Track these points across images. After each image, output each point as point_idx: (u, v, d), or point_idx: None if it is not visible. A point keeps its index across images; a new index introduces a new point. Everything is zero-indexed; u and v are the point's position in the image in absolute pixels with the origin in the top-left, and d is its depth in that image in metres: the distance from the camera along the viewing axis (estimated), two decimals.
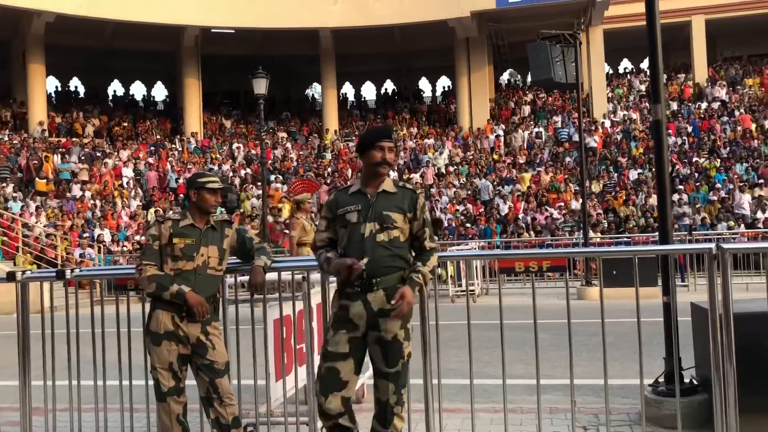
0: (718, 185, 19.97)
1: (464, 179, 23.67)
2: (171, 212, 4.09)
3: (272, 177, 23.40)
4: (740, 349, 3.47)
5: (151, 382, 3.85)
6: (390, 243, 3.29)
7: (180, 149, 27.01)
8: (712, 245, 3.49)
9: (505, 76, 35.75)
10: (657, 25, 4.70)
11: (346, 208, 3.36)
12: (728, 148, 22.99)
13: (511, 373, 4.80)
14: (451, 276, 13.34)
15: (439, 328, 3.95)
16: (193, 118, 29.01)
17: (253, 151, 26.05)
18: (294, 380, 4.13)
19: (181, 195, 22.03)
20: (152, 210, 21.26)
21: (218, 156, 26.43)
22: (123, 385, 4.24)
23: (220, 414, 3.72)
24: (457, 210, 20.98)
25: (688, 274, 14.02)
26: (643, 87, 29.46)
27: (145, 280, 3.74)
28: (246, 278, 3.94)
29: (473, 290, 13.37)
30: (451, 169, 24.56)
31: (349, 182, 3.14)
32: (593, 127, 25.71)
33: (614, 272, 11.86)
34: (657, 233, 16.70)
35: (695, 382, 4.37)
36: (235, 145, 27.44)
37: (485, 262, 13.66)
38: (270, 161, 24.62)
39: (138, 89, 35.44)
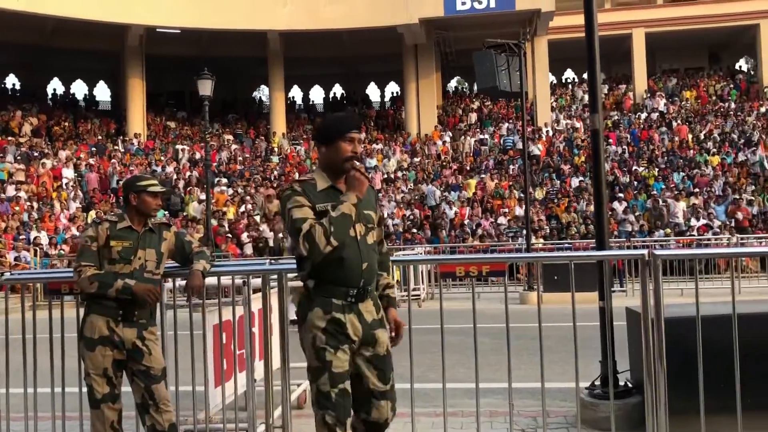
0: (655, 193, 20.60)
1: (412, 185, 23.81)
2: (108, 214, 3.97)
3: (217, 180, 23.09)
4: (670, 352, 3.59)
5: (85, 389, 3.75)
6: (376, 246, 3.10)
7: (123, 150, 26.40)
8: (645, 252, 3.60)
9: (452, 83, 36.16)
10: (595, 38, 4.82)
11: (325, 204, 2.94)
12: (666, 158, 23.76)
13: (453, 377, 4.85)
14: (397, 281, 13.39)
15: None
16: (137, 119, 28.40)
17: (198, 154, 25.66)
18: (234, 386, 4.07)
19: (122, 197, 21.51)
20: (92, 212, 20.71)
21: (161, 158, 25.93)
22: (55, 392, 4.11)
23: (156, 421, 3.65)
24: (404, 215, 21.09)
25: (626, 279, 14.40)
26: (586, 96, 30.19)
27: (85, 281, 3.63)
28: (185, 282, 3.88)
29: (419, 295, 13.45)
30: (399, 174, 24.67)
31: (302, 176, 2.81)
32: (537, 136, 26.21)
33: (555, 277, 12.13)
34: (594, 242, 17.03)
35: (629, 385, 4.49)
36: (179, 147, 26.97)
37: (431, 267, 13.76)
38: (215, 164, 24.30)
39: (79, 88, 34.55)
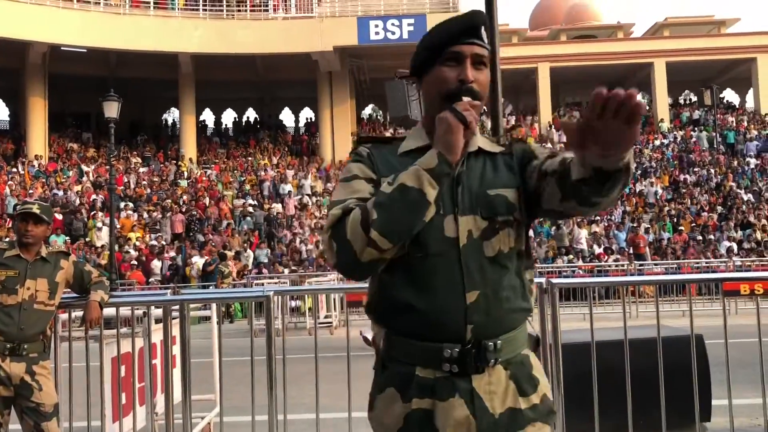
0: (560, 221, 21.41)
1: (325, 210, 23.79)
2: (2, 241, 3.78)
3: (123, 204, 22.33)
4: (567, 376, 3.72)
5: None
6: (505, 257, 1.68)
7: (21, 172, 25.14)
8: (543, 279, 3.74)
9: (367, 111, 36.56)
10: (497, 70, 5.02)
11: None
12: None
13: (356, 405, 4.83)
14: (309, 308, 13.29)
15: (293, 362, 3.92)
16: (38, 140, 27.14)
17: (103, 177, 24.76)
18: (132, 421, 3.92)
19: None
20: None
21: (63, 180, 24.86)
22: None
23: None
24: (317, 241, 21.01)
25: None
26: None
27: None
28: (81, 313, 3.73)
29: (331, 322, 13.38)
30: (313, 200, 24.61)
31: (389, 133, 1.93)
32: None
33: None
34: None
35: None
36: (84, 169, 25.94)
37: (343, 295, 13.74)
38: (121, 188, 23.51)
39: None
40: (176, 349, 3.92)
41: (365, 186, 1.69)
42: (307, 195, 25.11)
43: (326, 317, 13.15)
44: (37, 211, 3.62)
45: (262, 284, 14.02)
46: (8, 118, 32.78)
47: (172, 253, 19.14)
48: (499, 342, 1.63)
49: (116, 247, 17.69)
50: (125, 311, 4.00)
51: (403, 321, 1.64)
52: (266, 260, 19.52)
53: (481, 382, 1.62)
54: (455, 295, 1.61)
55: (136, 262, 18.32)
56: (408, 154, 1.73)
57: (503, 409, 1.62)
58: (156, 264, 18.35)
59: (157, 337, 4.15)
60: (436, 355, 1.62)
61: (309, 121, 34.83)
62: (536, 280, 4.19)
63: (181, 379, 3.72)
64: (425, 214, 1.58)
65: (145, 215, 22.34)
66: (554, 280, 3.69)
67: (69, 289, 3.80)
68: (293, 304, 14.59)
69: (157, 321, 4.10)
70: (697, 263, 17.28)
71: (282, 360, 3.91)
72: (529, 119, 32.37)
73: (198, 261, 17.68)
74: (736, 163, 27.15)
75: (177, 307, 3.80)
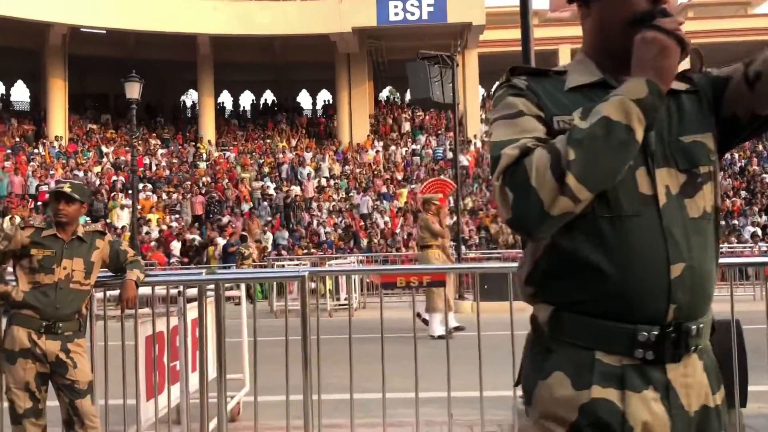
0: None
1: (343, 193, 23.79)
2: (36, 220, 3.77)
3: (142, 186, 22.46)
4: None
5: (6, 405, 3.55)
6: (705, 220, 1.41)
7: (42, 153, 25.34)
8: None
9: (384, 93, 36.39)
10: (531, 48, 4.94)
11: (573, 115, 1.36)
12: None
13: (389, 386, 4.83)
14: (329, 290, 13.32)
15: (320, 344, 3.92)
16: (58, 121, 27.33)
17: (123, 158, 24.89)
18: (167, 399, 3.95)
19: (41, 203, 20.69)
20: (8, 218, 19.77)
21: (83, 162, 25.02)
22: None
23: None
24: (336, 223, 21.05)
25: None
26: None
27: None
28: (118, 292, 3.74)
29: (351, 304, 13.41)
30: (331, 183, 24.61)
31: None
32: (466, 147, 26.66)
33: (486, 286, 12.30)
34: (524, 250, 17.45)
35: None
36: (104, 150, 26.09)
37: (363, 276, 13.75)
38: (141, 169, 23.64)
39: None
40: (210, 328, 3.92)
41: (536, 125, 1.37)
42: (325, 178, 25.11)
43: (346, 299, 13.19)
44: (69, 191, 3.62)
45: (283, 266, 14.07)
46: (28, 100, 32.97)
47: (193, 235, 19.25)
48: (701, 325, 1.36)
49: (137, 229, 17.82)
50: (160, 291, 4.00)
51: (584, 296, 1.34)
52: (285, 243, 19.58)
53: (677, 373, 1.34)
54: (657, 267, 1.32)
55: (156, 243, 18.45)
56: (578, 90, 1.43)
57: (698, 406, 1.36)
58: (176, 245, 18.46)
59: (191, 316, 4.16)
60: (628, 339, 1.32)
61: (326, 103, 34.75)
62: None
63: (216, 358, 3.72)
64: (631, 158, 1.29)
65: (165, 197, 22.46)
66: None
67: (105, 269, 3.82)
68: (312, 285, 14.65)
69: (190, 301, 4.11)
70: (720, 248, 17.08)
71: (316, 340, 3.90)
72: None
73: (220, 242, 17.78)
74: (761, 147, 26.78)
75: (212, 286, 3.81)
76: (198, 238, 19.02)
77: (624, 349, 1.32)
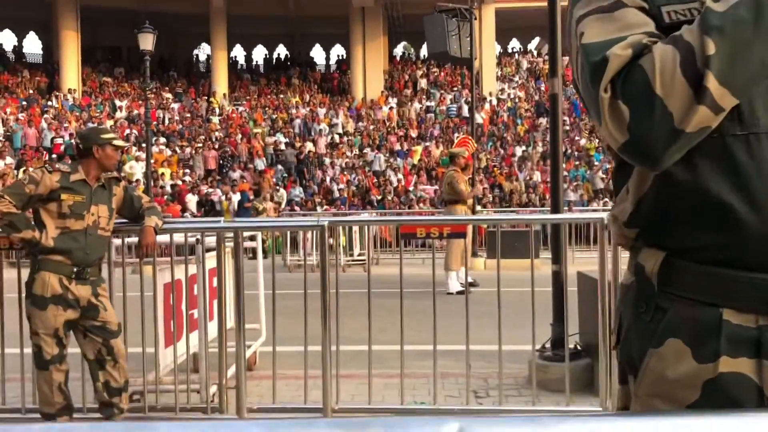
0: (596, 164, 21.07)
1: (357, 150, 23.67)
2: (60, 164, 3.72)
3: (155, 139, 22.42)
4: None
5: (27, 350, 3.58)
6: None
7: (56, 106, 25.29)
8: (605, 215, 3.63)
9: (399, 49, 35.91)
10: (557, 7, 4.80)
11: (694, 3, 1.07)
12: None
13: (404, 340, 4.84)
14: (343, 246, 13.34)
15: (331, 297, 3.91)
16: (71, 74, 27.19)
17: (136, 111, 24.81)
18: (185, 347, 3.97)
19: (55, 155, 20.73)
20: (22, 170, 19.85)
21: (97, 114, 24.98)
22: None
23: (111, 377, 3.54)
24: (349, 180, 20.98)
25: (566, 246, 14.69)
26: (532, 66, 30.47)
27: None
28: (136, 239, 3.74)
29: (365, 260, 13.44)
30: (344, 139, 24.47)
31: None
32: (482, 104, 26.37)
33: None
34: (539, 208, 17.31)
35: (579, 348, 4.58)
36: (117, 104, 26.01)
37: (376, 232, 13.76)
38: (154, 122, 23.58)
39: (7, 39, 32.85)
40: (229, 277, 3.91)
41: (642, 17, 1.06)
42: (338, 134, 24.95)
43: (360, 255, 13.21)
44: (123, 144, 3.68)
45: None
46: (41, 51, 32.80)
47: (207, 189, 19.27)
48: None
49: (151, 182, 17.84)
50: (178, 238, 3.99)
51: (707, 239, 1.06)
52: (297, 199, 19.57)
53: None
54: None
55: (170, 197, 18.50)
56: None
57: None
58: (191, 198, 18.50)
59: (209, 265, 4.15)
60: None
61: (340, 58, 34.35)
62: (595, 216, 4.12)
63: (234, 306, 3.72)
64: None
65: (178, 150, 22.44)
66: None
67: (119, 215, 3.80)
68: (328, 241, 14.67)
69: (208, 250, 4.09)
70: None
71: (335, 293, 3.89)
72: (566, 60, 31.54)
73: (234, 197, 17.79)
74: None
75: (231, 234, 3.79)
76: (212, 191, 19.04)
77: (761, 307, 1.03)
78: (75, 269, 3.49)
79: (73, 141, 21.48)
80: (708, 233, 1.05)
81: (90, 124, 23.33)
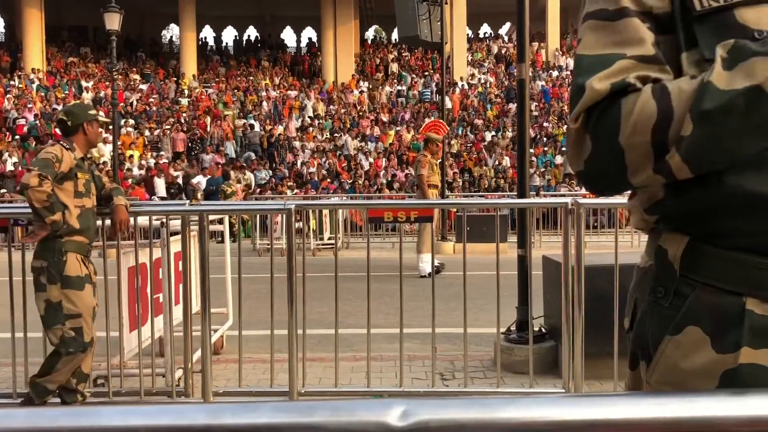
0: (564, 149, 21.27)
1: (327, 134, 23.56)
2: (58, 143, 3.58)
3: (122, 121, 22.06)
4: (587, 299, 3.72)
5: (18, 335, 3.55)
6: None
7: (19, 86, 24.71)
8: (569, 200, 3.68)
9: (370, 32, 35.74)
10: None
11: None
12: None
13: (372, 323, 4.87)
14: (313, 230, 13.31)
15: (298, 281, 3.91)
16: (35, 54, 26.57)
17: (103, 93, 24.36)
18: (150, 331, 3.94)
19: (18, 136, 20.28)
20: None
21: (63, 96, 24.46)
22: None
23: (84, 362, 3.57)
24: (319, 164, 20.90)
25: (533, 230, 14.85)
26: (502, 51, 30.55)
27: (43, 195, 3.23)
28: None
29: (334, 244, 13.44)
30: (315, 122, 24.33)
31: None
32: (452, 89, 26.39)
33: (468, 228, 12.37)
34: (508, 193, 17.40)
35: (543, 330, 4.65)
36: (84, 84, 25.50)
37: (347, 216, 13.75)
38: (122, 104, 23.17)
39: None
40: (194, 260, 3.89)
41: (640, 33, 1.01)
42: (309, 117, 24.80)
43: (330, 239, 13.20)
44: (107, 120, 3.75)
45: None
46: (3, 30, 31.98)
47: (177, 172, 19.03)
48: None
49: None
50: (142, 221, 3.95)
51: (733, 224, 1.01)
52: (263, 182, 19.44)
53: None
54: None
55: (135, 180, 18.24)
56: None
57: None
58: (159, 182, 18.27)
59: (174, 248, 4.12)
60: None
61: (311, 41, 34.06)
62: (560, 200, 4.16)
63: (200, 290, 3.70)
64: None
65: (147, 133, 22.11)
66: (581, 201, 3.62)
67: None
68: (297, 225, 14.65)
69: (173, 234, 4.05)
70: None
71: (302, 278, 3.88)
72: (536, 45, 31.69)
73: (201, 180, 17.61)
74: None
75: (196, 217, 3.76)
76: (180, 175, 18.82)
77: None
78: (88, 248, 3.50)
79: (37, 122, 21.03)
80: (737, 219, 1.00)
81: (55, 106, 22.88)
